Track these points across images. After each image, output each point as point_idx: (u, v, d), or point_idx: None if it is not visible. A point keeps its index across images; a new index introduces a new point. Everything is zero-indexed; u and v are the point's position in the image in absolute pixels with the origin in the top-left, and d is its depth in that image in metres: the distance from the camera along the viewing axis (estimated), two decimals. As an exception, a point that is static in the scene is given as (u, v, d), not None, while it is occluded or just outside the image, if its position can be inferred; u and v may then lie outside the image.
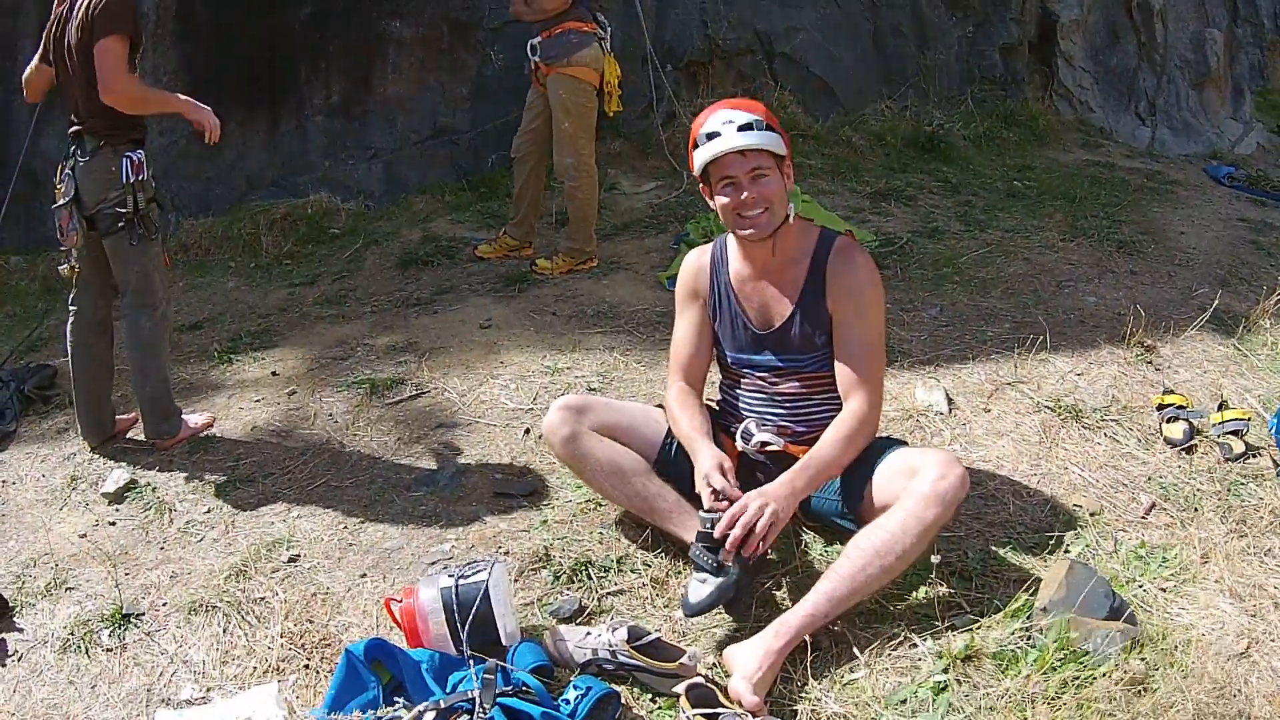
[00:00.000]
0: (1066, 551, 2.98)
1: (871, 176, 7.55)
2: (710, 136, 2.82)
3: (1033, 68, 9.79)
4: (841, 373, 2.92)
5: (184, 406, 4.31)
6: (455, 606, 2.54)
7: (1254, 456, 3.46)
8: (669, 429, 3.13)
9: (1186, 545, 2.97)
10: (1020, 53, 9.63)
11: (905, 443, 3.04)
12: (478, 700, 2.29)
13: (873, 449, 2.92)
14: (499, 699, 2.31)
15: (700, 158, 2.86)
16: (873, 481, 2.84)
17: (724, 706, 2.33)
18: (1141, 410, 3.84)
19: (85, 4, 3.71)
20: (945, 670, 2.47)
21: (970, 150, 8.50)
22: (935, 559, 2.68)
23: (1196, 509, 3.19)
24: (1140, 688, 2.34)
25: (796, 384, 3.03)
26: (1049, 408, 3.82)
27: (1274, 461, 3.41)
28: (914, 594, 2.82)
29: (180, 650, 2.84)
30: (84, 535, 3.54)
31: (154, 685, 2.73)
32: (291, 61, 7.19)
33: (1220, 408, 3.74)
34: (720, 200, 2.88)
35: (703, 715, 2.27)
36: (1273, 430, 3.51)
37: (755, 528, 2.62)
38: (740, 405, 3.12)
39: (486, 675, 2.35)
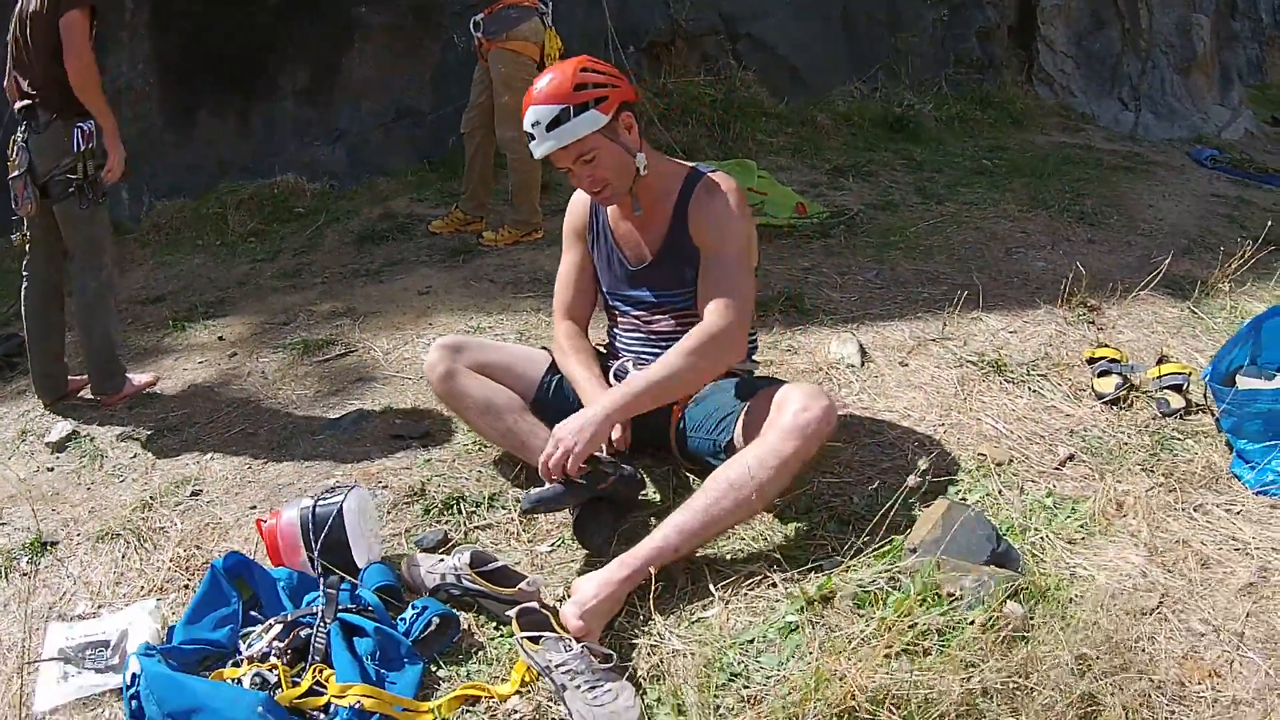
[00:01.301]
0: (963, 499, 2.92)
1: (833, 154, 7.72)
2: (530, 137, 2.87)
3: (1011, 52, 9.89)
4: (701, 295, 2.93)
5: (134, 369, 4.60)
6: (311, 527, 2.71)
7: (1194, 414, 3.37)
8: (548, 368, 3.24)
9: (1103, 497, 2.89)
10: (998, 37, 9.76)
11: (785, 382, 2.99)
12: (320, 615, 2.46)
13: (749, 386, 2.96)
14: (340, 614, 2.46)
15: (534, 155, 2.92)
16: (741, 419, 2.84)
17: (553, 632, 2.33)
18: (1075, 369, 3.78)
19: None
20: (800, 611, 2.41)
21: (942, 131, 8.64)
22: (803, 505, 2.78)
23: (1120, 462, 3.12)
24: (1016, 637, 2.21)
25: (671, 322, 3.08)
26: (971, 362, 3.82)
27: (1213, 415, 3.28)
28: (786, 535, 2.81)
29: (83, 573, 3.10)
30: (23, 479, 3.82)
31: (56, 603, 2.99)
32: (263, 48, 7.46)
33: (1160, 362, 3.64)
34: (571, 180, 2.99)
35: (527, 638, 2.30)
36: (1206, 377, 3.35)
37: (561, 459, 2.68)
38: (619, 345, 3.22)
39: (329, 591, 2.52)
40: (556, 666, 2.23)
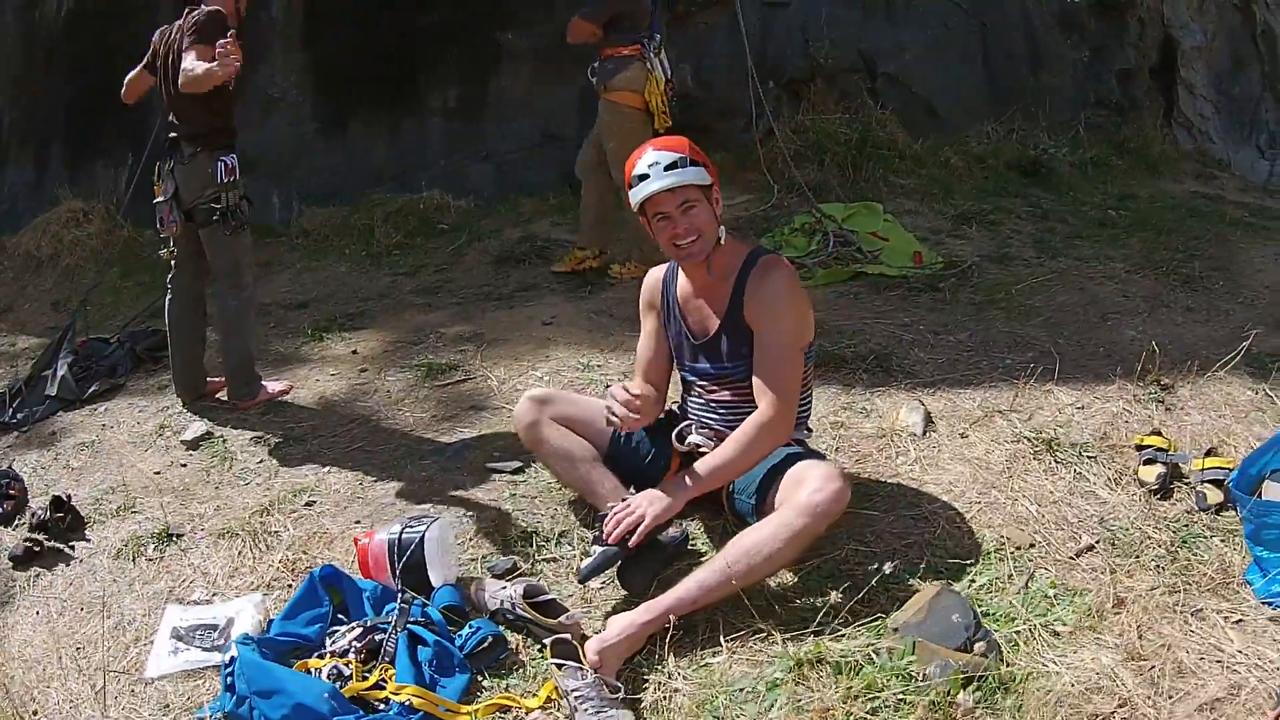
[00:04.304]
0: (972, 581, 3.02)
1: (961, 199, 7.61)
2: (641, 178, 3.14)
3: (1151, 94, 9.64)
4: (755, 380, 3.19)
5: (272, 375, 5.06)
6: (397, 550, 3.10)
7: (1230, 510, 3.28)
8: None
9: (1105, 592, 2.90)
10: (1139, 79, 9.55)
11: (823, 456, 3.33)
12: (393, 624, 2.86)
13: (789, 459, 3.15)
14: (409, 625, 2.86)
15: (635, 197, 3.18)
16: (776, 489, 3.08)
17: (577, 661, 2.66)
18: (1127, 452, 3.72)
19: (188, 20, 4.38)
20: (788, 670, 2.65)
21: (1074, 177, 8.45)
22: (828, 570, 2.97)
23: (1137, 557, 3.10)
24: (956, 724, 2.40)
25: (729, 394, 3.32)
26: (1028, 438, 3.79)
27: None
28: (805, 597, 3.01)
29: (202, 564, 3.51)
30: (158, 473, 4.28)
31: (175, 588, 3.41)
32: (414, 66, 7.96)
33: (1208, 454, 3.57)
34: (658, 232, 3.21)
35: (555, 664, 2.65)
36: (1231, 484, 3.25)
37: (633, 524, 3.01)
38: (687, 410, 3.48)
39: (402, 605, 2.92)
40: (571, 691, 2.57)
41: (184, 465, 4.33)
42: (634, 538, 3.01)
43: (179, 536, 3.71)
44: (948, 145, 8.48)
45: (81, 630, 3.34)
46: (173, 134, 4.59)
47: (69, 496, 4.03)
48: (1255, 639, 2.71)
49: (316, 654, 2.85)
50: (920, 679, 2.51)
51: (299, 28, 7.94)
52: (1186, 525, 3.26)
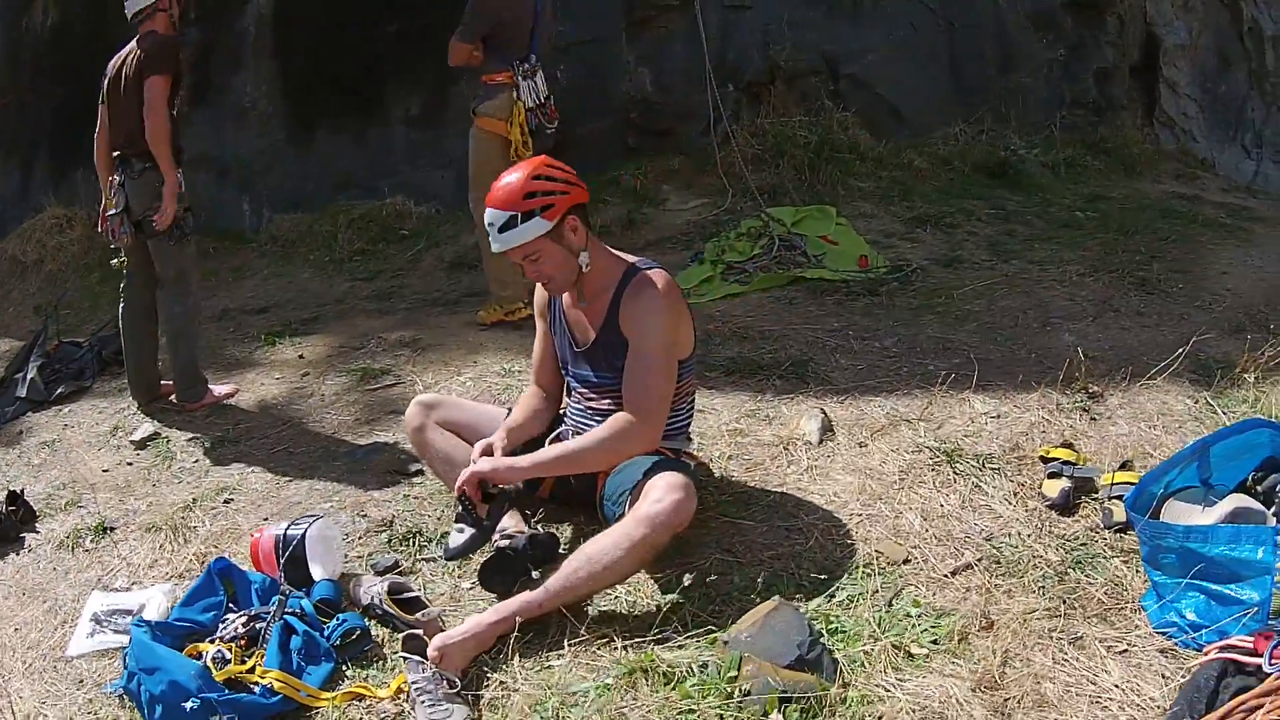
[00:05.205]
0: (832, 596, 3.06)
1: (922, 201, 7.73)
2: (488, 229, 3.41)
3: (1132, 93, 9.75)
4: (624, 386, 3.40)
5: (223, 379, 5.67)
6: (281, 545, 3.59)
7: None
8: None
9: (974, 614, 2.86)
10: (1118, 77, 9.62)
11: (687, 467, 3.44)
12: (272, 614, 3.33)
13: (655, 466, 3.28)
14: (285, 616, 3.30)
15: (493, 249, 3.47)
16: (631, 495, 3.25)
17: (423, 656, 2.92)
18: (1038, 465, 3.70)
19: (141, 48, 5.04)
20: (621, 676, 2.75)
21: (1046, 178, 8.50)
22: (687, 579, 3.19)
23: (1021, 577, 3.04)
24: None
25: (609, 403, 3.49)
26: (930, 448, 3.84)
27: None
28: (658, 603, 3.14)
29: (129, 555, 4.08)
30: (107, 470, 4.89)
31: (103, 576, 3.98)
32: (378, 75, 8.48)
33: (1122, 467, 3.54)
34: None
35: (403, 656, 2.93)
36: (1127, 502, 3.14)
37: (468, 480, 3.30)
38: (567, 415, 3.73)
39: (280, 597, 3.38)
40: (413, 683, 2.88)
41: (130, 464, 4.93)
42: (469, 490, 3.31)
43: (113, 529, 4.29)
44: (911, 147, 8.60)
45: (21, 613, 3.90)
46: (122, 151, 5.18)
47: (23, 491, 4.63)
48: (1137, 672, 2.64)
49: (208, 639, 3.32)
50: (739, 695, 2.55)
51: (269, 39, 8.55)
52: (1085, 544, 3.22)
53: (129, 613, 3.67)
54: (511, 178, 3.37)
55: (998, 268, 6.35)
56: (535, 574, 3.33)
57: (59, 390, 6.01)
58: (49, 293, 8.40)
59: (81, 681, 3.40)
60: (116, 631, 3.60)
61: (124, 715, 3.15)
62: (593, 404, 3.59)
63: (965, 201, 7.83)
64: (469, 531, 3.43)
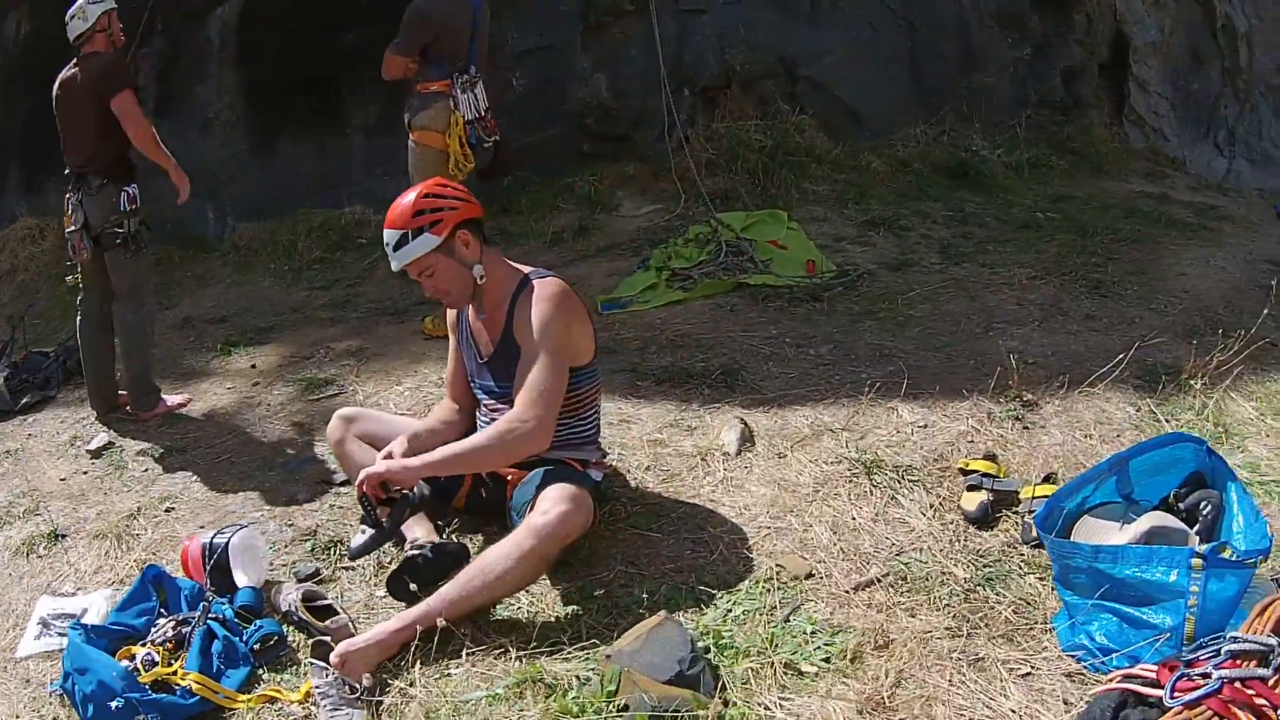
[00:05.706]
0: (729, 610, 3.13)
1: (876, 204, 7.91)
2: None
3: (1100, 92, 9.96)
4: (515, 388, 3.53)
5: (177, 388, 6.06)
6: (207, 553, 3.93)
7: None
8: None
9: (869, 633, 2.88)
10: (1086, 76, 9.85)
11: (588, 478, 3.65)
12: (196, 619, 3.66)
13: (548, 477, 3.47)
14: (208, 621, 3.63)
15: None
16: (531, 506, 3.40)
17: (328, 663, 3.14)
18: (960, 477, 3.73)
19: (88, 71, 5.38)
20: (511, 686, 2.89)
21: (1009, 178, 8.73)
22: (599, 592, 3.32)
23: (927, 594, 3.06)
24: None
25: None
26: (850, 459, 3.92)
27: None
28: (559, 614, 3.30)
29: (77, 561, 4.42)
30: (64, 479, 5.25)
31: (52, 581, 4.33)
32: (338, 85, 8.79)
33: (1045, 480, 3.53)
34: None
35: (310, 662, 3.19)
36: (1036, 519, 3.12)
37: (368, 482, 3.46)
38: (477, 426, 3.91)
39: (204, 603, 3.72)
40: (316, 688, 3.12)
41: (85, 473, 5.29)
42: (370, 492, 3.49)
43: (64, 537, 4.64)
44: (870, 149, 8.84)
45: (-23, 617, 4.29)
46: (79, 170, 5.53)
47: (-17, 500, 5.04)
48: (1039, 697, 2.62)
49: (140, 642, 3.64)
50: (616, 710, 2.64)
51: (233, 50, 8.89)
52: (999, 561, 3.22)
53: (72, 616, 4.00)
54: (404, 199, 3.60)
55: (948, 271, 6.46)
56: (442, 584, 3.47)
57: (24, 400, 6.39)
58: (21, 303, 8.74)
59: (28, 681, 3.69)
60: (60, 634, 3.92)
61: (64, 713, 3.46)
62: (497, 413, 3.70)
63: (922, 204, 7.99)
64: (370, 532, 3.59)
